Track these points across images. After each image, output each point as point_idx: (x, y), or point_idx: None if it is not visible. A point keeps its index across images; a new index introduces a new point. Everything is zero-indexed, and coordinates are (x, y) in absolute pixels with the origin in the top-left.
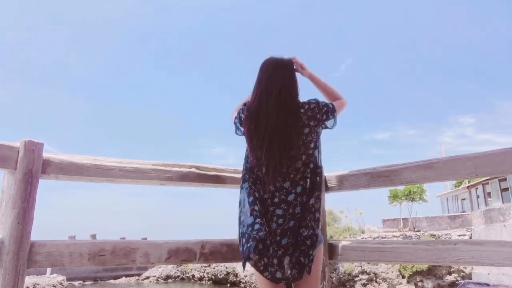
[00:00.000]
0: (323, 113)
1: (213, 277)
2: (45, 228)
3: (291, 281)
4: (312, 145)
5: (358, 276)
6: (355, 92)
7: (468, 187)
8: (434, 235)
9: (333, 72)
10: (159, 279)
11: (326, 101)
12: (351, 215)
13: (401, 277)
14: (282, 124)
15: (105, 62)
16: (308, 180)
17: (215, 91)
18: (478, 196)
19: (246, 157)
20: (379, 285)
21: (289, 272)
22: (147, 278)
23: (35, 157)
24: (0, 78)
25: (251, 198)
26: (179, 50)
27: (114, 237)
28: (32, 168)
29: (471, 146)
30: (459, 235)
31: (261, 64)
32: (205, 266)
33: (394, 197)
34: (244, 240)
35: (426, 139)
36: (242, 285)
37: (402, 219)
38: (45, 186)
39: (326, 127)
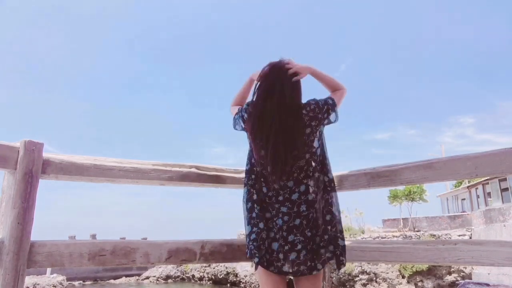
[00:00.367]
0: (324, 111)
1: (213, 277)
2: (45, 228)
3: (298, 275)
4: (315, 144)
5: (358, 276)
6: (355, 92)
7: (468, 187)
8: (434, 235)
9: (333, 72)
10: (159, 279)
11: (324, 98)
12: (351, 215)
13: (401, 277)
14: (284, 124)
15: (105, 62)
16: (311, 179)
17: (215, 91)
18: (478, 196)
19: (249, 158)
20: (379, 285)
21: (295, 268)
22: (147, 278)
23: (35, 157)
24: (0, 78)
25: (249, 204)
26: (179, 50)
27: (114, 237)
28: (32, 168)
29: (471, 146)
30: (459, 235)
31: (263, 66)
32: (205, 266)
33: (394, 197)
34: (248, 239)
35: (426, 139)
36: (242, 285)
37: (402, 219)
38: (45, 186)
39: (330, 122)
